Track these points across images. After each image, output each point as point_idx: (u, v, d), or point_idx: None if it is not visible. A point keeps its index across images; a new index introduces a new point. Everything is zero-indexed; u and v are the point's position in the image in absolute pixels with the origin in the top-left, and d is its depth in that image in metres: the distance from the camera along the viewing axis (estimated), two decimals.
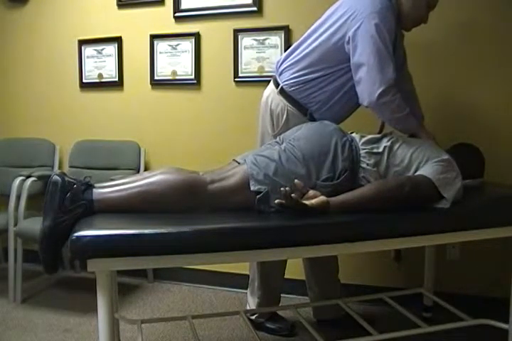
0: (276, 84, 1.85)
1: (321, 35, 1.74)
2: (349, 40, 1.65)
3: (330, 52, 1.72)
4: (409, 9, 1.73)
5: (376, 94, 1.60)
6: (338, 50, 1.69)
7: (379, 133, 1.85)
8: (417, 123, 1.75)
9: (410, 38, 1.94)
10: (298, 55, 1.80)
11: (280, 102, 1.82)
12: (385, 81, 1.61)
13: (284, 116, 1.82)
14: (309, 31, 1.81)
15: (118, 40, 2.70)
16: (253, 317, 2.03)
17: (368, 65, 1.62)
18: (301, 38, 1.83)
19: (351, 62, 1.67)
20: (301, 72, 1.77)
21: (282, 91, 1.82)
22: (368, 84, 1.62)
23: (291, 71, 1.80)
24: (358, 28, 1.63)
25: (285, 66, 1.83)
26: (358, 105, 1.80)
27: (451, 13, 2.13)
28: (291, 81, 1.79)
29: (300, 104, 1.80)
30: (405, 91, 1.90)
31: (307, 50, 1.77)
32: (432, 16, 1.81)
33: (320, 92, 1.76)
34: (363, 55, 1.63)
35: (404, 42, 1.91)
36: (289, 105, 1.81)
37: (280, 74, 1.84)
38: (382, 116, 1.72)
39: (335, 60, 1.72)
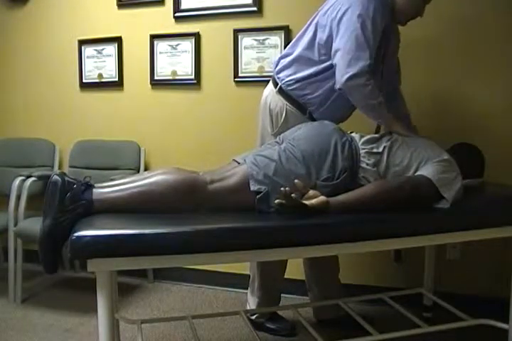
0: (275, 84, 1.85)
1: (312, 30, 1.76)
2: (334, 28, 1.67)
3: (321, 47, 1.73)
4: (404, 3, 1.73)
5: (347, 76, 1.61)
6: (329, 45, 1.70)
7: (376, 133, 1.85)
8: (391, 115, 1.72)
9: (410, 37, 1.94)
10: (293, 53, 1.81)
11: (279, 101, 1.83)
12: (359, 65, 1.61)
13: (283, 116, 1.82)
14: (303, 29, 1.82)
15: (118, 40, 2.70)
16: (253, 317, 2.03)
17: (344, 49, 1.63)
18: (297, 36, 1.84)
19: (332, 49, 1.68)
20: (296, 69, 1.78)
21: (281, 91, 1.82)
22: (341, 67, 1.64)
23: (287, 69, 1.81)
24: (341, 18, 1.65)
25: (282, 65, 1.84)
26: None
27: (450, 10, 2.13)
28: (288, 78, 1.80)
29: (299, 103, 1.80)
30: (391, 91, 1.90)
31: (301, 47, 1.78)
32: (430, 14, 1.80)
33: (317, 92, 1.76)
34: (341, 41, 1.65)
35: (401, 41, 1.91)
36: (287, 104, 1.81)
37: (278, 73, 1.85)
38: (353, 100, 1.70)
39: (326, 55, 1.72)
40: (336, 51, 1.66)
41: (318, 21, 1.75)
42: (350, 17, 1.63)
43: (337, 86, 1.66)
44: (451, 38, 2.18)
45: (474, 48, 2.16)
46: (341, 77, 1.63)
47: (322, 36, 1.72)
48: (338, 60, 1.65)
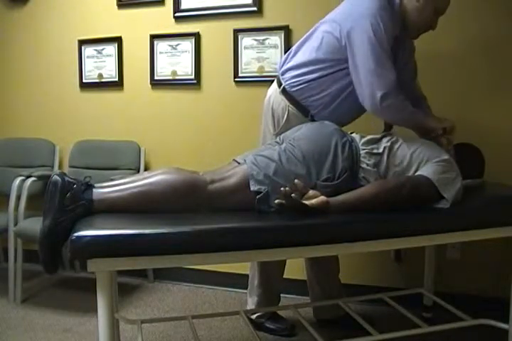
0: (279, 84, 1.84)
1: (320, 33, 1.75)
2: (345, 39, 1.65)
3: (329, 52, 1.71)
4: (415, 16, 1.70)
5: (378, 99, 1.59)
6: (337, 50, 1.69)
7: (385, 130, 1.85)
8: (424, 117, 1.72)
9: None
10: (300, 54, 1.80)
11: (282, 102, 1.82)
12: (385, 85, 1.60)
13: (285, 116, 1.81)
14: (311, 30, 1.81)
15: (118, 40, 2.70)
16: (253, 317, 2.03)
17: (366, 68, 1.61)
18: (304, 37, 1.82)
19: (349, 63, 1.66)
20: (301, 72, 1.77)
21: (284, 91, 1.81)
22: (368, 89, 1.61)
23: (292, 70, 1.80)
24: (353, 27, 1.63)
25: (287, 66, 1.83)
26: (361, 111, 1.79)
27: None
28: (292, 80, 1.79)
29: (301, 105, 1.79)
30: (415, 97, 1.90)
31: (308, 50, 1.77)
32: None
33: (320, 95, 1.75)
34: (361, 57, 1.62)
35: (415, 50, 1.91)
36: (290, 105, 1.80)
37: (282, 74, 1.84)
38: (387, 118, 1.71)
39: (334, 60, 1.71)
40: (356, 68, 1.63)
41: (326, 24, 1.73)
42: (364, 28, 1.60)
43: (368, 109, 1.65)
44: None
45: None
46: (372, 100, 1.60)
47: (329, 41, 1.70)
48: (363, 80, 1.62)
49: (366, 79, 1.62)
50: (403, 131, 1.75)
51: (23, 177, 2.44)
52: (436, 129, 1.67)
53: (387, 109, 1.62)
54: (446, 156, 1.54)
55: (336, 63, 1.71)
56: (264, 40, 2.43)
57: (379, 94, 1.60)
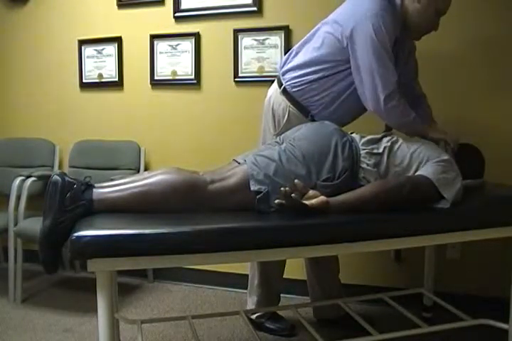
0: (280, 84, 1.84)
1: (321, 33, 1.74)
2: (347, 40, 1.65)
3: (330, 53, 1.71)
4: (417, 18, 1.70)
5: (382, 100, 1.61)
6: (339, 51, 1.69)
7: (385, 130, 1.85)
8: (425, 127, 1.73)
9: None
10: (301, 55, 1.80)
11: (282, 102, 1.82)
12: (388, 85, 1.60)
13: (286, 117, 1.81)
14: (313, 30, 1.80)
15: (118, 40, 2.70)
16: (253, 317, 2.03)
17: (369, 69, 1.61)
18: (305, 37, 1.82)
19: (351, 63, 1.66)
20: (302, 72, 1.77)
21: (285, 91, 1.81)
22: (371, 90, 1.62)
23: (293, 71, 1.80)
24: (355, 28, 1.63)
25: (288, 66, 1.83)
26: (362, 111, 1.80)
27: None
28: (293, 81, 1.79)
29: (302, 105, 1.79)
30: (416, 96, 1.90)
31: (309, 50, 1.77)
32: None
33: (321, 96, 1.75)
34: (364, 58, 1.62)
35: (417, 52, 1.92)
36: (290, 106, 1.80)
37: (283, 74, 1.83)
38: (389, 121, 1.71)
39: (335, 61, 1.71)
40: (359, 69, 1.64)
41: (328, 25, 1.73)
42: (366, 29, 1.60)
43: (370, 109, 1.66)
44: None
45: (469, 53, 2.17)
46: (375, 100, 1.62)
47: (331, 42, 1.70)
48: (365, 81, 1.63)
49: (368, 81, 1.62)
50: None
51: (23, 177, 2.44)
52: (439, 140, 1.68)
53: (390, 110, 1.63)
54: (446, 156, 1.54)
55: (337, 64, 1.71)
56: (264, 40, 2.43)
57: (382, 96, 1.61)
